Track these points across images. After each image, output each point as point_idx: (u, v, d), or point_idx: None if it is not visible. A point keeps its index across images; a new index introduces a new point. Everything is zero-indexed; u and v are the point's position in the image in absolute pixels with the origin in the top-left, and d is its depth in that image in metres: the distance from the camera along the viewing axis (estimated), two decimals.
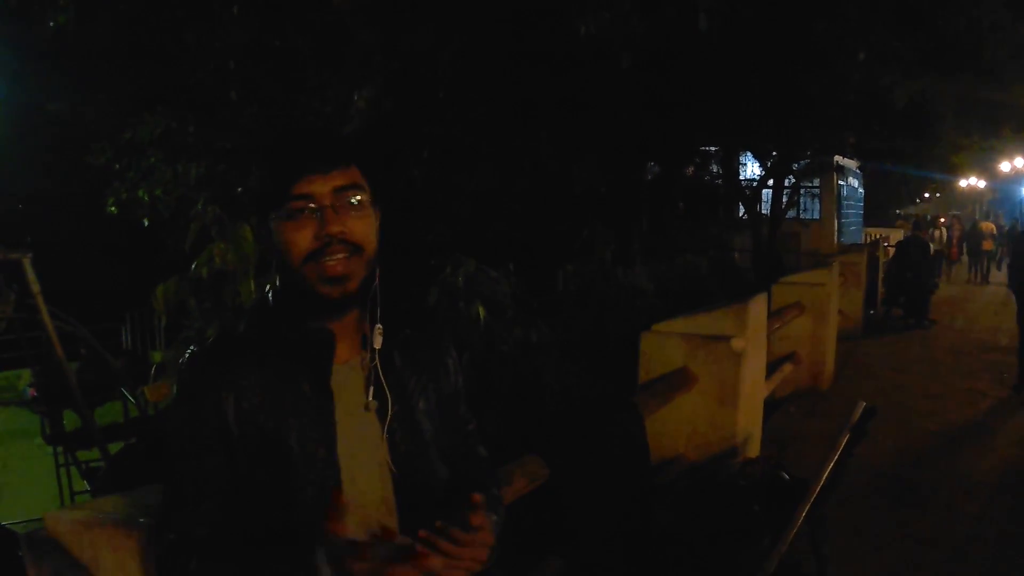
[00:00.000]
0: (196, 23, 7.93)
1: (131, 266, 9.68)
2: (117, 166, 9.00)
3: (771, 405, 5.49)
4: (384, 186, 1.33)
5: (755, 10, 7.31)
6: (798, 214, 18.48)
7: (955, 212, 26.38)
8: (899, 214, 31.33)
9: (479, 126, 8.74)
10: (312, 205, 1.21)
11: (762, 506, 2.94)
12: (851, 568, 3.46)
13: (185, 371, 1.26)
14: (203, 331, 4.29)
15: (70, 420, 5.16)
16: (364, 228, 1.25)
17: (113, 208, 9.24)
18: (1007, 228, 18.08)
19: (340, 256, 1.21)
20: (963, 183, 31.23)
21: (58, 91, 10.33)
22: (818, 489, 2.50)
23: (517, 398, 4.99)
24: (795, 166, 14.67)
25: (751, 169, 17.70)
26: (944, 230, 19.90)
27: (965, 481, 4.74)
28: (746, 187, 15.45)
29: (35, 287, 4.13)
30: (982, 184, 32.42)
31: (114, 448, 4.29)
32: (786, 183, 15.11)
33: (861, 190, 25.48)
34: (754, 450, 4.07)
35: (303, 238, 1.21)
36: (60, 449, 5.12)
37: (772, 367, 5.68)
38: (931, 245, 13.20)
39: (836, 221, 20.93)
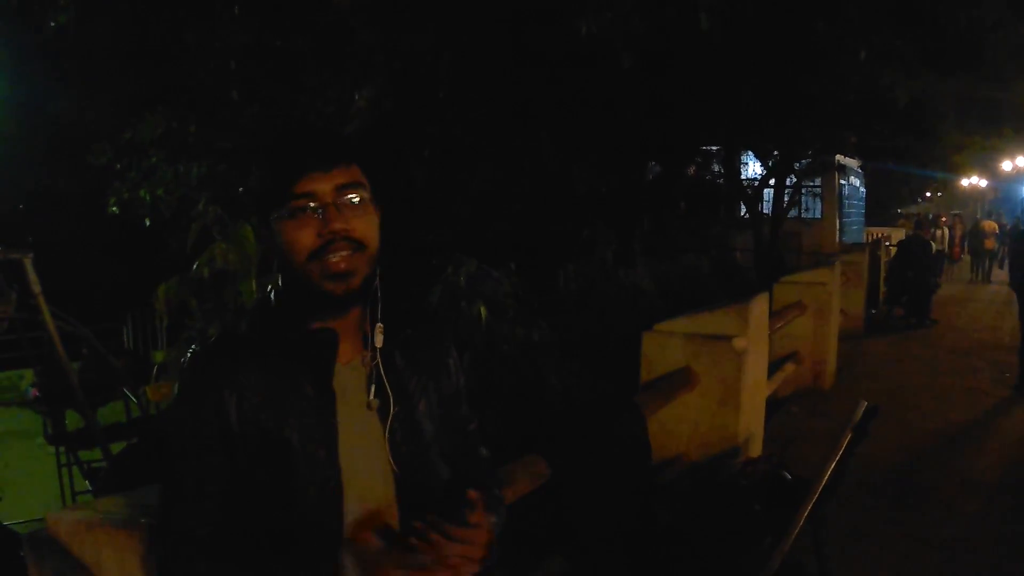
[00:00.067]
0: (196, 23, 7.92)
1: (132, 266, 9.67)
2: (118, 166, 8.99)
3: (773, 404, 5.49)
4: (385, 186, 1.33)
5: (756, 10, 7.30)
6: (799, 213, 18.47)
7: (956, 211, 26.37)
8: (900, 213, 31.30)
9: (480, 126, 8.73)
10: (314, 203, 1.21)
11: (764, 506, 2.93)
12: (853, 568, 3.46)
13: (187, 371, 1.26)
14: (204, 331, 4.30)
15: (72, 420, 5.16)
16: (366, 226, 1.25)
17: (115, 208, 9.24)
18: (1009, 227, 18.04)
19: (343, 253, 1.21)
20: (964, 182, 31.18)
21: (58, 91, 10.34)
22: (820, 489, 2.50)
23: (519, 398, 4.99)
24: (796, 165, 14.65)
25: (752, 168, 17.68)
26: (946, 229, 19.87)
27: (967, 481, 4.74)
28: (747, 186, 15.44)
29: (36, 287, 4.14)
30: (983, 183, 32.38)
31: (116, 448, 4.30)
32: (787, 182, 15.10)
33: (863, 189, 25.47)
34: (756, 450, 4.07)
35: (306, 236, 1.21)
36: (62, 449, 5.12)
37: (774, 367, 5.68)
38: (933, 244, 13.19)
39: (838, 220, 20.92)
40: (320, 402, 1.25)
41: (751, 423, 4.02)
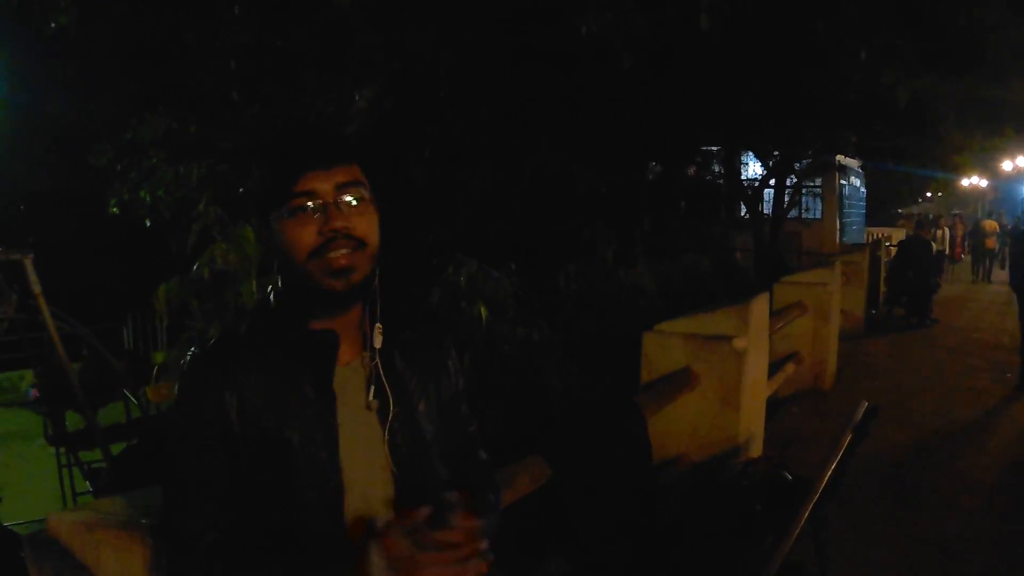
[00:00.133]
0: (196, 23, 7.92)
1: (133, 266, 9.68)
2: (119, 167, 9.00)
3: (773, 405, 5.49)
4: (385, 185, 1.33)
5: (757, 10, 7.30)
6: (800, 214, 18.45)
7: (956, 212, 26.35)
8: (901, 213, 31.27)
9: (480, 126, 8.73)
10: (315, 202, 1.21)
11: (764, 506, 2.93)
12: (853, 567, 3.46)
13: (187, 371, 1.26)
14: (205, 331, 4.30)
15: (72, 421, 5.16)
16: (367, 224, 1.25)
17: (115, 209, 9.24)
18: (1009, 227, 18.03)
19: (344, 250, 1.21)
20: (965, 182, 31.13)
21: (59, 92, 10.35)
22: (820, 489, 2.49)
23: (519, 398, 4.99)
24: (797, 165, 14.66)
25: (753, 169, 17.68)
26: (947, 229, 19.84)
27: (967, 480, 4.74)
28: (748, 187, 15.43)
29: (37, 288, 4.14)
30: (984, 183, 32.36)
31: (116, 449, 4.30)
32: (788, 183, 15.10)
33: (863, 189, 25.43)
34: (756, 450, 4.07)
35: (307, 234, 1.21)
36: (62, 450, 5.12)
37: (774, 367, 5.68)
38: (933, 244, 13.19)
39: (838, 220, 20.89)
40: (320, 403, 1.25)
41: (751, 423, 4.02)
